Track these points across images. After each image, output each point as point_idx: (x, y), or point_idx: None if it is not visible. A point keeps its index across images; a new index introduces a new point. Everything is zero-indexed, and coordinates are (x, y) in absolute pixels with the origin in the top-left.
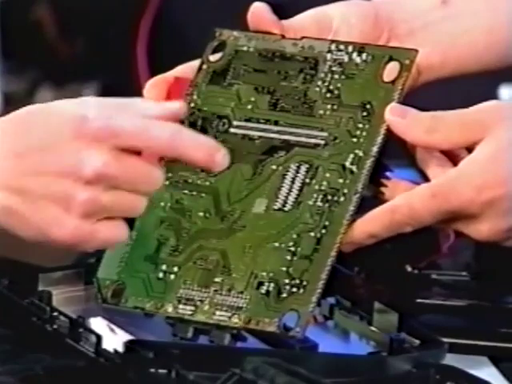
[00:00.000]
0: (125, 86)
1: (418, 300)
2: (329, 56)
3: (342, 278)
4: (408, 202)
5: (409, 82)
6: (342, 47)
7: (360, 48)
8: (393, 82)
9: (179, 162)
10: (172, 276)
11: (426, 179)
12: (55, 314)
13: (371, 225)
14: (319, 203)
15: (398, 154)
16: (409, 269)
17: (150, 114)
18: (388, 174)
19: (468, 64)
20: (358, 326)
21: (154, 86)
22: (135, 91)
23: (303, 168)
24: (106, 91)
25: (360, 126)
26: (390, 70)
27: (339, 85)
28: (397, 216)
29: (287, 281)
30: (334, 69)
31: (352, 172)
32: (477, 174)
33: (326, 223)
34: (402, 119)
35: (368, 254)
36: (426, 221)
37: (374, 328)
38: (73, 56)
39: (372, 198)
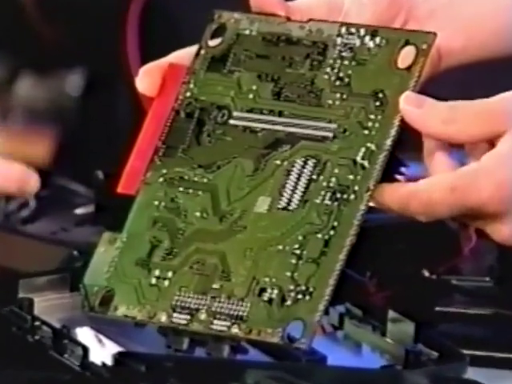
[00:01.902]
0: (114, 73)
1: (437, 308)
2: (339, 40)
3: (352, 283)
4: (428, 191)
5: (426, 69)
6: (353, 30)
7: (373, 31)
8: (408, 68)
9: (174, 157)
10: (166, 282)
11: None
12: (37, 323)
13: (390, 199)
14: (327, 202)
15: (413, 147)
16: (426, 274)
17: None
18: (403, 169)
19: (493, 48)
20: (370, 337)
21: (147, 73)
22: (125, 78)
23: (310, 163)
24: (93, 78)
25: (372, 116)
26: (406, 56)
27: (350, 72)
28: (414, 203)
29: (292, 287)
30: (344, 54)
31: (363, 167)
32: (499, 168)
33: (335, 224)
34: (417, 109)
35: (381, 257)
36: (443, 214)
37: (388, 339)
38: (57, 41)
39: None
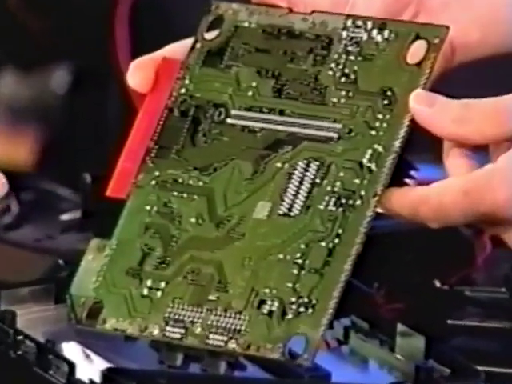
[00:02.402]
0: (103, 68)
1: (449, 321)
2: (344, 34)
3: (358, 295)
4: (439, 197)
5: (438, 64)
6: (359, 23)
7: (381, 24)
8: (419, 64)
9: (167, 158)
10: (158, 293)
11: None
12: (20, 337)
13: (398, 204)
14: (331, 207)
15: (424, 148)
16: (438, 284)
17: None
18: (412, 172)
19: (511, 43)
20: (377, 352)
21: (139, 67)
22: (115, 74)
23: (313, 166)
24: (80, 75)
25: (380, 116)
26: (416, 51)
27: (356, 68)
28: (424, 208)
29: (294, 299)
30: (349, 49)
31: (370, 171)
32: None
33: (340, 231)
34: (428, 108)
35: (390, 266)
36: (455, 220)
37: (397, 354)
38: (42, 33)
39: None
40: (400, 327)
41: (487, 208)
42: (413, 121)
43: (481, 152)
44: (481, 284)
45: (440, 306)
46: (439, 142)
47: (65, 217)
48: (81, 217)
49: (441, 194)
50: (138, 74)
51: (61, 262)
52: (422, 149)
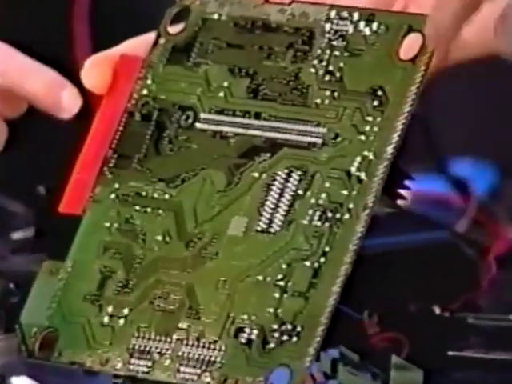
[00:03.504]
0: (56, 65)
1: (450, 352)
2: (327, 26)
3: (347, 322)
4: None
5: (435, 61)
6: (344, 14)
7: (369, 16)
8: (413, 60)
9: (128, 168)
10: (121, 321)
11: (456, 188)
12: None
13: None
14: (316, 222)
15: (419, 155)
16: (437, 310)
17: None
18: (407, 182)
19: None
20: None
21: (94, 66)
22: (70, 72)
23: (294, 175)
24: None
25: (369, 119)
26: (410, 45)
27: (341, 64)
28: None
29: (275, 326)
30: (334, 43)
31: (360, 181)
32: None
33: (326, 249)
34: None
35: (383, 290)
36: None
37: None
38: None
39: (386, 215)
40: (394, 359)
41: None
42: (406, 124)
43: None
44: (485, 310)
45: (439, 335)
46: (436, 150)
47: (16, 235)
48: (33, 235)
49: None
50: (93, 72)
51: (11, 285)
52: (416, 157)
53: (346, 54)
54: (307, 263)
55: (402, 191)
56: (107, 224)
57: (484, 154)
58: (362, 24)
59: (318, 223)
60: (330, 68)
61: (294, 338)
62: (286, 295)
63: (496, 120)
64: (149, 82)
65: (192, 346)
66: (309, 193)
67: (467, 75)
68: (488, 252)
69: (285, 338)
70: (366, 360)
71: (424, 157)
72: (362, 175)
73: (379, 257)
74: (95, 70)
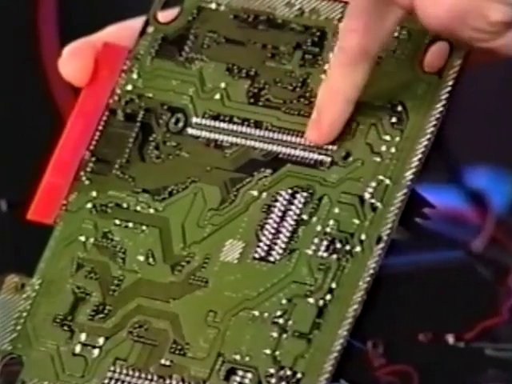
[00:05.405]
0: (21, 56)
1: None
2: None
3: (350, 353)
4: None
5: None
6: None
7: None
8: (439, 72)
9: (108, 175)
10: (95, 351)
11: (472, 201)
12: None
13: None
14: (323, 253)
15: (431, 165)
16: (451, 340)
17: None
18: (427, 211)
19: None
20: None
21: (73, 54)
22: (37, 63)
23: (299, 197)
24: None
25: (387, 138)
26: (435, 55)
27: None
28: None
29: (272, 370)
30: None
31: (374, 209)
32: None
33: (333, 285)
34: None
35: (390, 317)
36: None
37: None
38: None
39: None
40: None
41: None
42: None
43: None
44: (505, 340)
45: (454, 368)
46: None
47: None
48: None
49: None
50: (72, 62)
51: None
52: (427, 167)
53: None
54: (311, 300)
55: (421, 221)
56: (82, 238)
57: (502, 164)
58: None
59: (325, 254)
60: None
61: None
62: (285, 335)
63: None
64: (134, 76)
65: None
66: (315, 218)
67: (485, 80)
68: (508, 274)
69: None
70: None
71: (436, 167)
72: (377, 203)
73: (385, 279)
74: (74, 58)
